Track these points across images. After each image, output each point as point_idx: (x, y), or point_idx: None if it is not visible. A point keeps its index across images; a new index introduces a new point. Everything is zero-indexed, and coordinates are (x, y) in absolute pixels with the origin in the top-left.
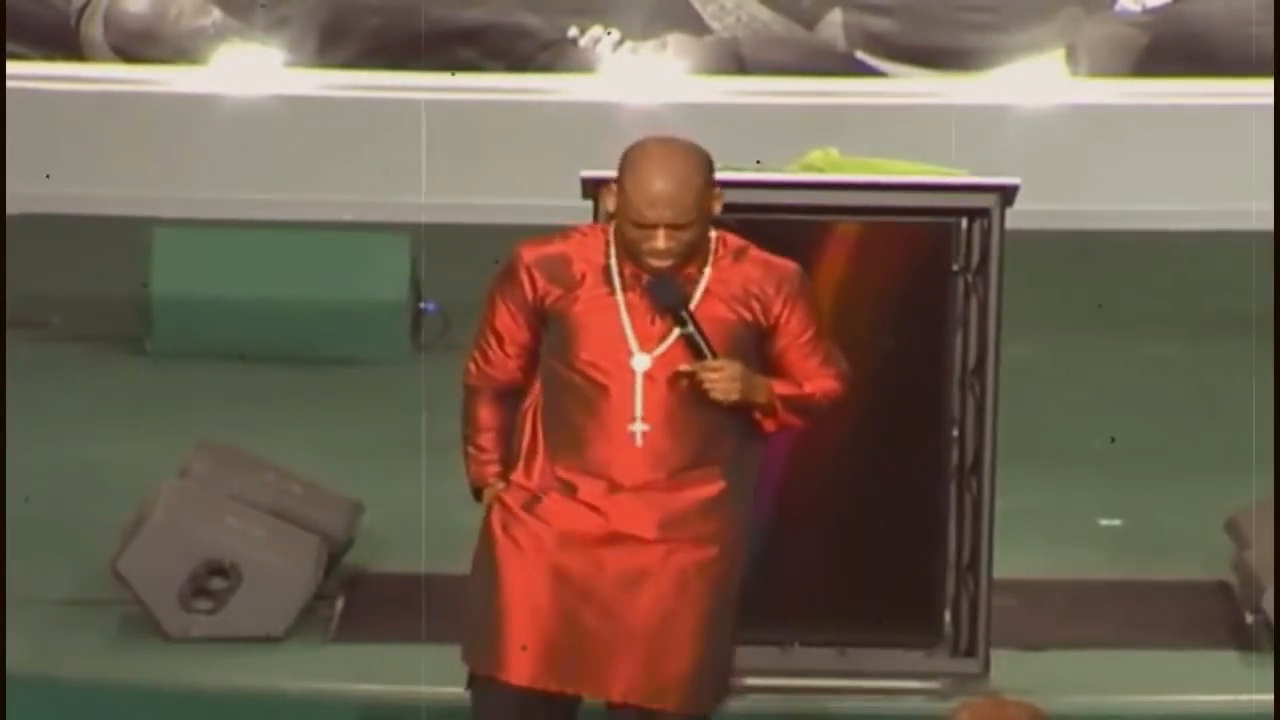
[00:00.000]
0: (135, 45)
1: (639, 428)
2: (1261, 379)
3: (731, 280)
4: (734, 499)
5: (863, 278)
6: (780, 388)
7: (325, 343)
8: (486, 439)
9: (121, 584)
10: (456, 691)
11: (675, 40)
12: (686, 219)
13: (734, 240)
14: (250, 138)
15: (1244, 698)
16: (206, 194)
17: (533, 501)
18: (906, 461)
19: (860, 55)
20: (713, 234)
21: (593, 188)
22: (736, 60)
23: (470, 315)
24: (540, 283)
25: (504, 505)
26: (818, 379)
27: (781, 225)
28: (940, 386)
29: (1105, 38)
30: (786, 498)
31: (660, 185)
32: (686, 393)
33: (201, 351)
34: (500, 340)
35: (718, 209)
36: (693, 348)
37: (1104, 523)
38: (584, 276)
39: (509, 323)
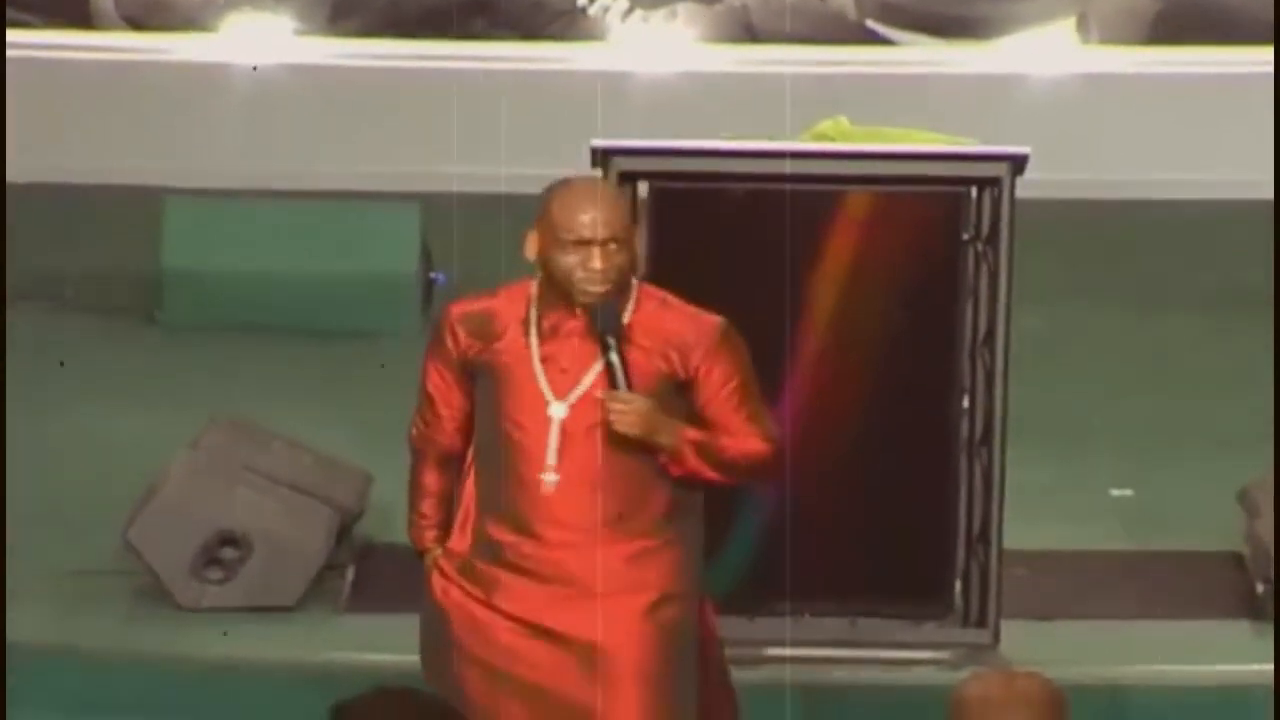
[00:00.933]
0: (146, 14)
1: (550, 477)
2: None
3: (651, 329)
4: (671, 552)
5: (873, 247)
6: (691, 434)
7: (335, 314)
8: (427, 505)
9: (133, 555)
10: None
11: (685, 9)
12: (620, 235)
13: (654, 291)
14: (261, 107)
15: (1255, 667)
16: (217, 164)
17: (466, 568)
18: (917, 432)
19: (871, 24)
20: (634, 282)
21: (603, 156)
22: (747, 29)
23: (480, 285)
24: (463, 339)
25: (442, 573)
26: (740, 436)
27: (792, 195)
28: (951, 357)
29: (1116, 6)
30: (796, 468)
31: (591, 201)
32: (607, 443)
33: (212, 323)
34: (433, 403)
35: (640, 252)
36: (611, 377)
37: (1115, 494)
38: (505, 330)
39: (439, 384)
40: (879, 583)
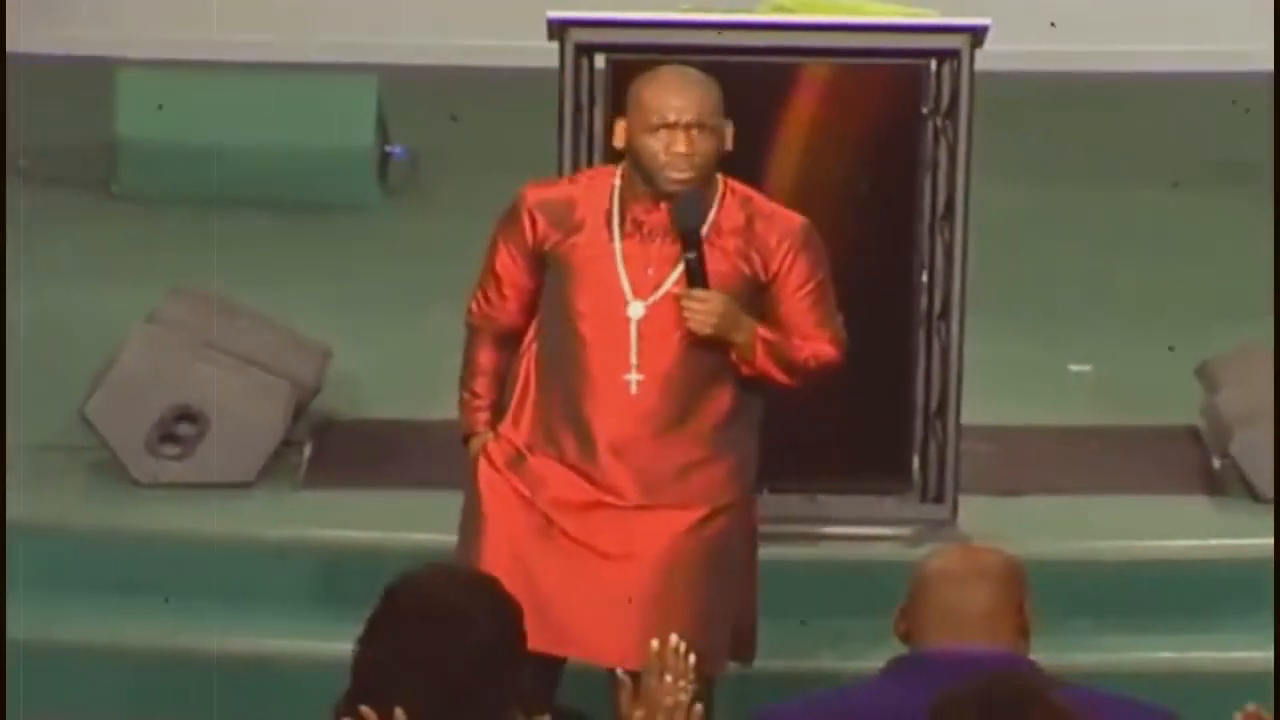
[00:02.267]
0: None
1: (634, 377)
2: (1245, 225)
3: (735, 229)
4: (722, 464)
5: (832, 120)
6: (765, 332)
7: (292, 186)
8: (480, 384)
9: (90, 430)
10: (425, 537)
11: None
12: (709, 120)
13: (740, 188)
14: None
15: (1212, 542)
16: (171, 35)
17: (518, 460)
18: (876, 306)
19: None
20: (720, 178)
21: (559, 29)
22: None
23: (436, 160)
24: (541, 226)
25: (490, 462)
26: (812, 339)
27: (750, 67)
28: (910, 231)
29: None
30: None
31: (679, 85)
32: (678, 346)
33: (168, 195)
34: (500, 283)
35: (729, 146)
36: (690, 275)
37: (1074, 369)
38: (584, 221)
39: (509, 265)
40: (838, 459)
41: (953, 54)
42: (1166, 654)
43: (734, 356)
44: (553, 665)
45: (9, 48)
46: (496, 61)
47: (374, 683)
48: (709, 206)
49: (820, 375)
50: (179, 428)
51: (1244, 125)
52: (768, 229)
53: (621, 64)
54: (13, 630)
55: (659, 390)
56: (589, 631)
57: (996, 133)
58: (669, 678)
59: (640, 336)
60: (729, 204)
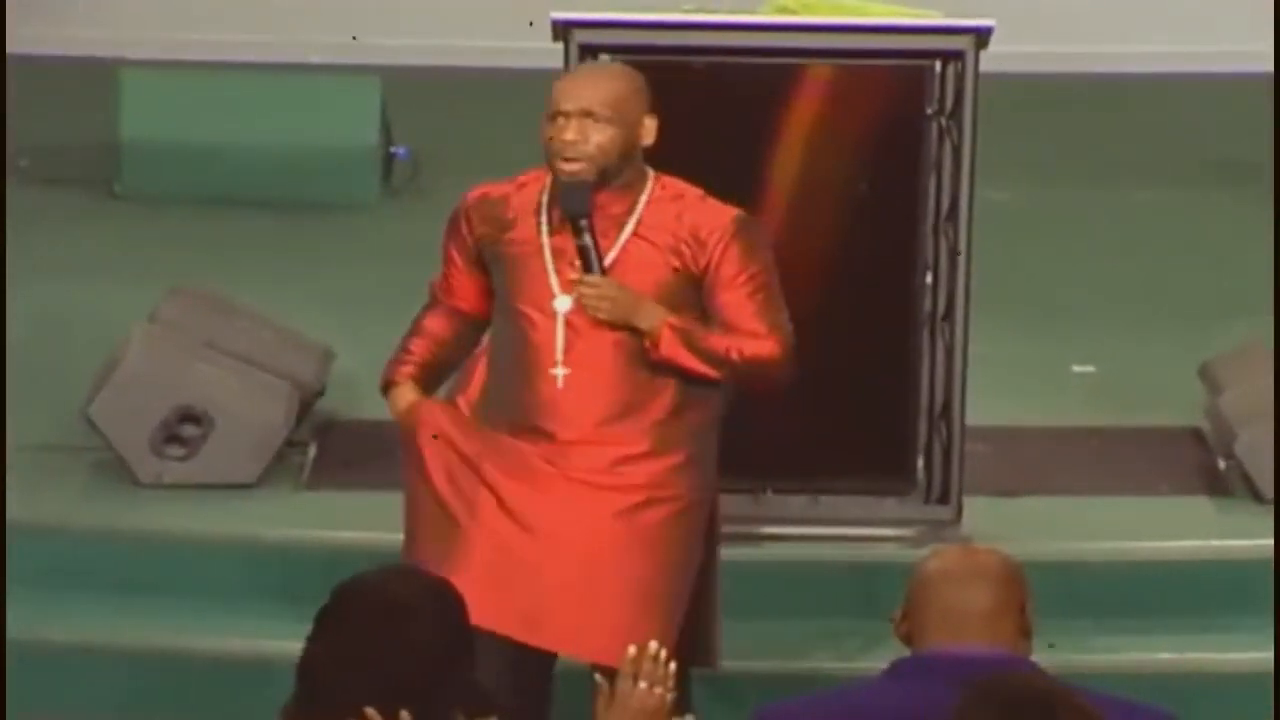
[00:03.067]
0: None
1: (560, 371)
2: (1247, 225)
3: (664, 224)
4: (668, 457)
5: (835, 122)
6: (675, 320)
7: (295, 187)
8: (416, 343)
9: (93, 430)
10: None
11: None
12: (600, 110)
13: (672, 182)
14: None
15: (1216, 543)
16: (175, 35)
17: (474, 455)
18: (880, 308)
19: None
20: (651, 174)
21: (563, 30)
22: None
23: (440, 160)
24: (477, 225)
25: (434, 417)
26: (746, 334)
27: (754, 68)
28: (914, 232)
29: None
30: None
31: (584, 75)
32: (612, 339)
33: (172, 196)
34: (449, 280)
35: (647, 139)
36: (584, 261)
37: (1077, 370)
38: (517, 218)
39: (454, 267)
40: (841, 460)
41: (957, 55)
42: (1168, 655)
43: (646, 344)
44: (542, 660)
45: (10, 48)
46: (499, 63)
47: (318, 681)
48: (637, 199)
49: (756, 371)
50: (183, 429)
51: (1244, 125)
52: (699, 222)
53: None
54: (15, 631)
55: (592, 384)
56: (535, 617)
57: (997, 133)
58: (643, 683)
59: (572, 330)
60: (658, 198)
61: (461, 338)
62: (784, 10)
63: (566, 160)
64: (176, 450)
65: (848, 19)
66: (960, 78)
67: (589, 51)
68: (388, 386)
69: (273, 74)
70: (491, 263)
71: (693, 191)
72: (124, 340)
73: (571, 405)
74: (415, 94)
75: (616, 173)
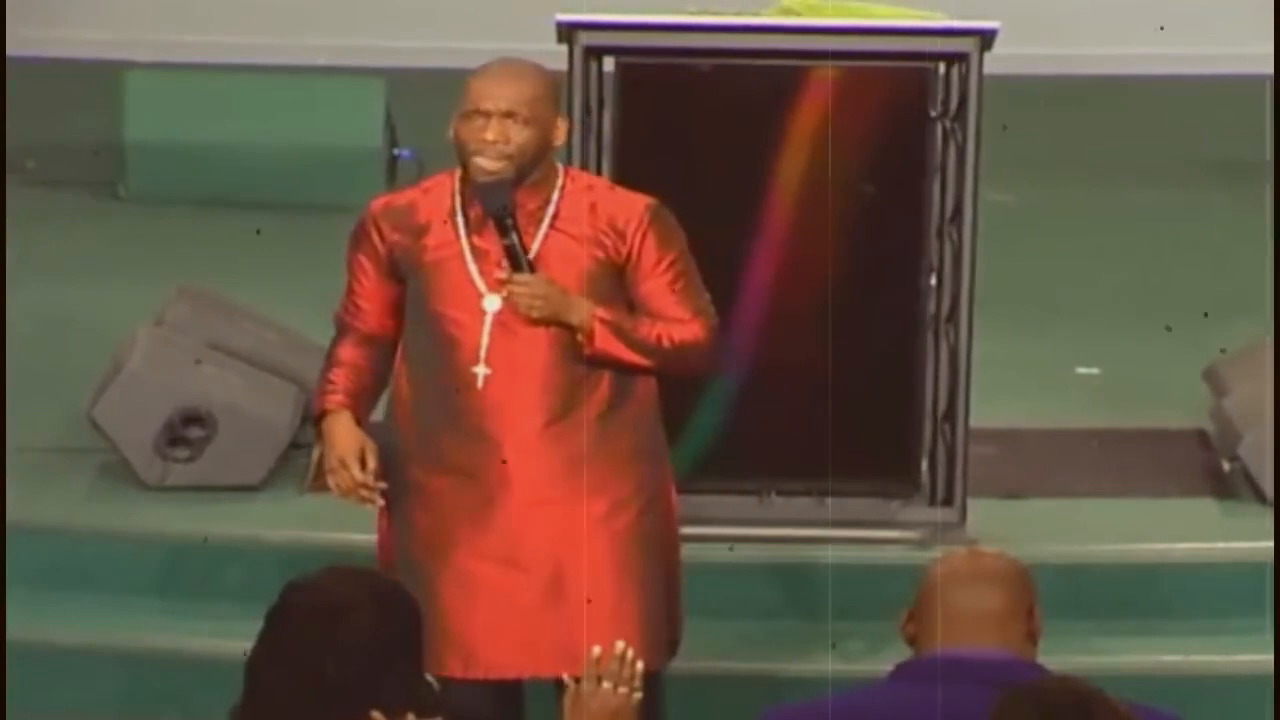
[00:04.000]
0: None
1: (480, 370)
2: (1248, 225)
3: (580, 216)
4: (617, 455)
5: (840, 123)
6: (603, 312)
7: (299, 188)
8: (336, 373)
9: (98, 432)
10: None
11: None
12: (521, 111)
13: (581, 176)
14: None
15: (1220, 545)
16: (179, 37)
17: (417, 485)
18: (884, 309)
19: None
20: (561, 167)
21: (568, 32)
22: None
23: (444, 162)
24: (388, 234)
25: (419, 489)
26: (673, 321)
27: (758, 70)
28: (918, 234)
29: None
30: (763, 346)
31: (501, 73)
32: (545, 337)
33: (176, 197)
34: (355, 295)
35: (559, 140)
36: (511, 259)
37: (1081, 371)
38: (429, 223)
39: (364, 278)
40: (846, 462)
41: (961, 57)
42: (1172, 657)
43: (579, 338)
44: (511, 691)
45: (11, 50)
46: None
47: (259, 680)
48: (549, 195)
49: (686, 357)
50: (187, 430)
51: (1244, 126)
52: (614, 211)
53: (630, 67)
54: (15, 631)
55: (530, 383)
56: (493, 647)
57: (997, 134)
58: (606, 683)
59: (504, 330)
60: (570, 192)
61: (376, 364)
62: (789, 12)
63: (489, 161)
64: (181, 452)
65: (852, 21)
66: (964, 80)
67: (594, 54)
68: (321, 415)
69: (277, 76)
70: (407, 271)
71: (601, 182)
72: (128, 341)
73: (501, 405)
74: (419, 96)
75: (531, 171)
